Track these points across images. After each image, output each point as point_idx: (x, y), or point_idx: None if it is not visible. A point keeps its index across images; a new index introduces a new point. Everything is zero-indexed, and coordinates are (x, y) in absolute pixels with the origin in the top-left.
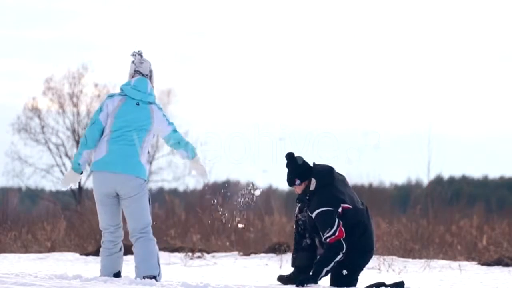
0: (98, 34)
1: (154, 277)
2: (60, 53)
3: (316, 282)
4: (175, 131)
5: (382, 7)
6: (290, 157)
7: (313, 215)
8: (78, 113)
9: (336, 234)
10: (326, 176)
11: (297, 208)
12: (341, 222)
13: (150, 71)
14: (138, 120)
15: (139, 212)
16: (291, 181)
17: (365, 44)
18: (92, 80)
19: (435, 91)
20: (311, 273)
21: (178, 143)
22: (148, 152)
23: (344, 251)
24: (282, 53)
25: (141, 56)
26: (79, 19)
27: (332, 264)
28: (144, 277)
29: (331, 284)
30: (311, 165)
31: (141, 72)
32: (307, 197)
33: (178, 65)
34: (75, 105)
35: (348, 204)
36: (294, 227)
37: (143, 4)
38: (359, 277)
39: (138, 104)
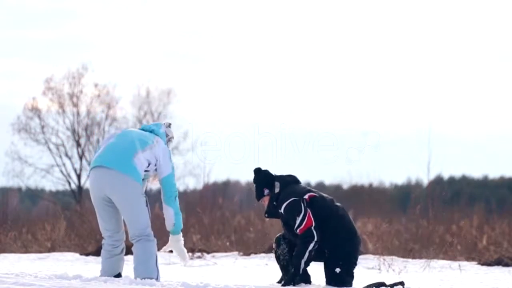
0: (98, 34)
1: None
2: (60, 53)
3: (299, 274)
4: (173, 184)
5: (382, 7)
6: (257, 171)
7: (282, 210)
8: (78, 113)
9: (305, 222)
10: (288, 177)
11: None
12: (309, 210)
13: (172, 137)
14: (140, 135)
15: (134, 217)
16: (260, 193)
17: (365, 44)
18: (92, 80)
19: (435, 91)
20: (292, 270)
21: (170, 197)
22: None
23: (316, 239)
24: (282, 53)
25: (170, 125)
26: (79, 19)
27: (307, 255)
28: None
29: (327, 284)
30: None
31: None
32: (274, 203)
33: (178, 65)
34: (75, 105)
35: (314, 193)
36: (274, 245)
37: (143, 4)
38: (359, 277)
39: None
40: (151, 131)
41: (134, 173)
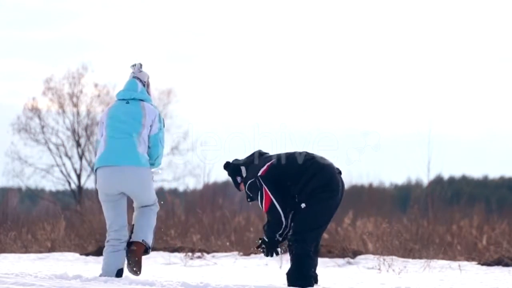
0: (98, 34)
1: (146, 250)
2: (60, 53)
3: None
4: (157, 145)
5: (382, 7)
6: (226, 166)
7: (250, 194)
8: (78, 113)
9: (263, 198)
10: (251, 156)
11: None
12: (264, 187)
13: (148, 82)
14: (129, 114)
15: (146, 198)
16: (236, 183)
17: (365, 44)
18: (92, 80)
19: (435, 91)
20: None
21: (152, 157)
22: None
23: (283, 221)
24: (282, 53)
25: (141, 66)
26: (79, 19)
27: (276, 233)
28: (133, 242)
29: (293, 222)
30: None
31: (138, 78)
32: None
33: (178, 65)
34: (75, 105)
35: (272, 160)
36: None
37: (143, 4)
38: (359, 277)
39: (128, 103)
40: (133, 99)
41: (141, 161)
